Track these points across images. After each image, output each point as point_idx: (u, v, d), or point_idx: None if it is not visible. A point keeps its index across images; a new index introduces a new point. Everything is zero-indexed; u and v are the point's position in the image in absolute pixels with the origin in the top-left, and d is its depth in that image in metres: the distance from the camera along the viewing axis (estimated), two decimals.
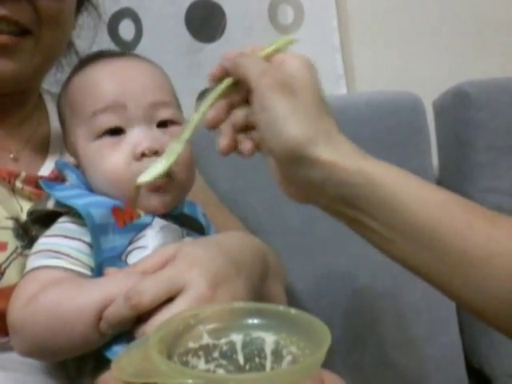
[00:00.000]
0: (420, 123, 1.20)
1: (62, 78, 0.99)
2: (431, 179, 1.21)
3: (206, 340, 0.52)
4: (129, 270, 0.67)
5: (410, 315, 1.15)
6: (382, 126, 1.18)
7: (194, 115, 0.65)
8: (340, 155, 0.56)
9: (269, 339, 0.52)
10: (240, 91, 0.64)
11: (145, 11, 1.35)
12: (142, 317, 0.62)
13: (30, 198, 0.79)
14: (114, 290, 0.63)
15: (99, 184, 0.73)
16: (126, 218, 0.70)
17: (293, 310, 0.53)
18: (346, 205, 0.57)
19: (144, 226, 0.71)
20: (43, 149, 0.88)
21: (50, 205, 0.73)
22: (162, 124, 0.74)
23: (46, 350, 0.66)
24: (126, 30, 1.36)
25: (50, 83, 0.99)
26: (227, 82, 0.64)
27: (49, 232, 0.71)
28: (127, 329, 0.63)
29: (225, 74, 0.64)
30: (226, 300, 0.64)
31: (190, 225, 0.77)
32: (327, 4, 1.36)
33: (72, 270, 0.67)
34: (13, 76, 0.79)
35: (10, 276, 0.72)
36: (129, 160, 0.71)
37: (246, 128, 0.64)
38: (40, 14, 0.78)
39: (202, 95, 1.34)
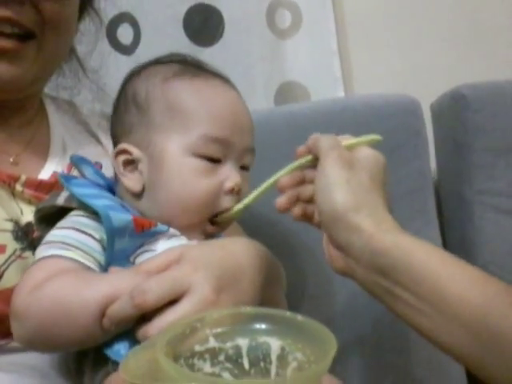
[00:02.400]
0: (418, 126, 1.20)
1: (63, 82, 0.99)
2: (429, 181, 1.21)
3: (212, 343, 0.53)
4: (133, 269, 0.68)
5: None
6: (380, 129, 1.16)
7: (271, 177, 0.73)
8: (379, 228, 0.62)
9: (274, 344, 0.53)
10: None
11: (143, 15, 1.35)
12: (146, 317, 0.63)
13: (30, 202, 0.80)
14: (120, 287, 0.63)
15: (171, 196, 0.73)
16: (145, 225, 0.70)
17: (299, 317, 0.53)
18: (380, 274, 0.61)
19: (158, 233, 0.72)
20: (43, 153, 0.88)
21: (61, 201, 0.73)
22: (242, 167, 0.77)
23: (47, 340, 0.66)
24: (125, 34, 1.36)
25: (52, 88, 0.99)
26: (306, 158, 0.71)
27: (61, 224, 0.71)
28: (130, 327, 0.64)
29: (308, 152, 0.71)
30: (230, 304, 0.64)
31: None
32: (325, 8, 1.37)
33: (80, 262, 0.67)
34: (14, 81, 0.80)
35: (9, 278, 0.73)
36: (219, 191, 0.73)
37: (309, 201, 0.71)
38: (43, 17, 0.78)
39: None
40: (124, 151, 0.75)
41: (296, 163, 0.72)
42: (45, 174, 0.85)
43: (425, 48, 1.41)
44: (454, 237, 1.24)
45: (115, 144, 0.78)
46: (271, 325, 0.53)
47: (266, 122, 1.18)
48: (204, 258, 0.67)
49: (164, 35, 1.35)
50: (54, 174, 0.84)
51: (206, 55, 1.35)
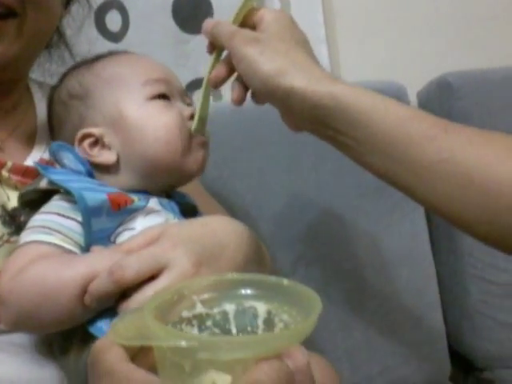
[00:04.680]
0: None
1: (52, 68, 0.99)
2: None
3: (200, 309, 0.53)
4: (114, 248, 0.68)
5: (394, 300, 1.17)
6: None
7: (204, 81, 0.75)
8: (310, 82, 0.64)
9: (261, 308, 0.53)
10: None
11: (132, 2, 1.35)
12: (126, 293, 0.63)
13: (16, 187, 0.79)
14: (99, 265, 0.64)
15: (149, 141, 0.74)
16: (120, 202, 0.71)
17: (285, 281, 0.54)
18: (322, 125, 0.65)
19: (135, 210, 0.72)
20: (29, 139, 0.87)
21: (43, 184, 0.73)
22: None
23: (32, 323, 0.66)
24: (113, 21, 1.35)
25: (40, 74, 0.98)
26: (214, 54, 0.73)
27: (44, 209, 0.72)
28: (111, 304, 0.64)
29: (213, 48, 0.73)
30: None
31: (190, 214, 0.79)
32: None
33: (62, 247, 0.68)
34: None
35: None
36: (182, 119, 0.76)
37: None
38: None
39: (190, 86, 1.35)
40: (85, 136, 0.76)
41: (211, 61, 0.74)
42: (31, 160, 0.84)
43: (412, 36, 1.42)
44: (441, 223, 1.25)
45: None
46: (257, 290, 0.54)
47: (254, 108, 1.19)
48: (184, 235, 0.67)
49: (153, 22, 1.35)
50: (41, 160, 0.84)
51: (195, 43, 1.36)
